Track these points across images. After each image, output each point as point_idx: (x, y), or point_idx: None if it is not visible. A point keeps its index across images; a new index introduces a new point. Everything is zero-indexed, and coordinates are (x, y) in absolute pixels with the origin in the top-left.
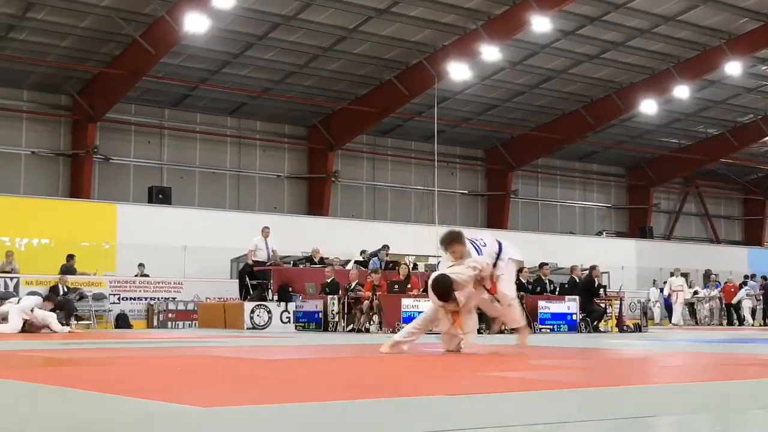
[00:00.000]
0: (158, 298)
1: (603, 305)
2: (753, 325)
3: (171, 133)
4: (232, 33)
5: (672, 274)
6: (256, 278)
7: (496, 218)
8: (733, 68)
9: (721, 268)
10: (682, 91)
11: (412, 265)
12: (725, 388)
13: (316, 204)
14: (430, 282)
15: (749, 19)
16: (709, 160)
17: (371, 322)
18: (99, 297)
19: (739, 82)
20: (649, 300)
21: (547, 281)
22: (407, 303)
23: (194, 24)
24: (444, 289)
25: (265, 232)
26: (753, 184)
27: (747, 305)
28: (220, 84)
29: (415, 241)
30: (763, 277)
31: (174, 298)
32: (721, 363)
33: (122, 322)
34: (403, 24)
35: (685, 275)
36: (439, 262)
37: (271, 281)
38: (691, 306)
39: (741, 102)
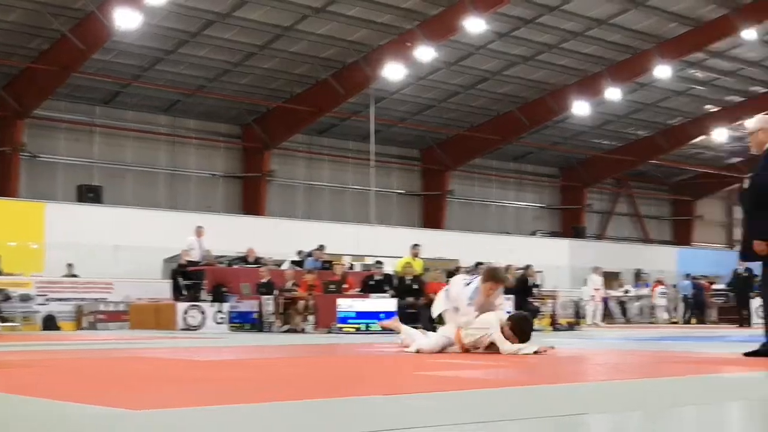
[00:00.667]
0: (88, 299)
1: (537, 304)
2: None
3: (102, 131)
4: (165, 29)
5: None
6: (189, 278)
7: (432, 218)
8: (663, 71)
9: (652, 267)
10: (613, 94)
11: (348, 265)
12: (655, 385)
13: (251, 203)
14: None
15: (678, 24)
16: (640, 162)
17: (307, 322)
18: (25, 298)
19: (668, 85)
20: (582, 299)
21: None
22: (343, 303)
23: (126, 20)
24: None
25: (199, 231)
26: (681, 185)
27: (660, 303)
28: (153, 81)
29: (351, 240)
30: (691, 276)
31: (104, 299)
32: (650, 361)
33: (50, 323)
34: (339, 23)
35: (616, 274)
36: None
37: (205, 281)
38: (621, 304)
39: (670, 105)
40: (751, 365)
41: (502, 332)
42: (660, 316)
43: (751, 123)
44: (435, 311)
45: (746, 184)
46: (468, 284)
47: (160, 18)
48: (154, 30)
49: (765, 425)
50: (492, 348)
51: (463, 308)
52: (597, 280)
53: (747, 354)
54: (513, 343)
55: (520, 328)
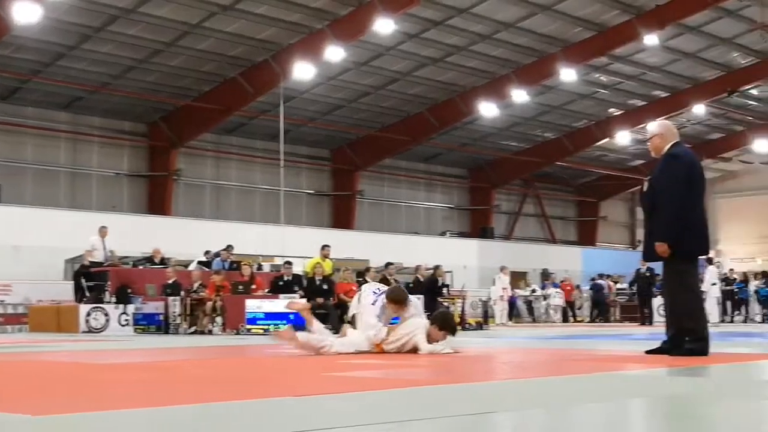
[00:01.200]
0: None
1: (446, 304)
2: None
3: (0, 128)
4: (67, 24)
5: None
6: (92, 279)
7: (342, 218)
8: (568, 75)
9: (558, 267)
10: (520, 96)
11: (256, 266)
12: (560, 383)
13: (157, 203)
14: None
15: (583, 28)
16: (546, 163)
17: (214, 324)
18: None
19: (574, 88)
20: (490, 299)
21: (392, 281)
22: (251, 304)
23: (25, 13)
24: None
25: (103, 231)
26: (586, 186)
27: (556, 303)
28: (54, 77)
29: (260, 241)
30: (598, 275)
31: (2, 301)
32: (556, 359)
33: None
34: (248, 21)
35: (523, 274)
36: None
37: (109, 282)
38: (528, 304)
39: (576, 108)
40: (653, 362)
41: (431, 333)
42: (553, 316)
43: (651, 128)
44: (350, 313)
45: (645, 186)
46: (376, 298)
47: (62, 12)
48: (56, 24)
49: (666, 422)
50: (413, 350)
51: (371, 322)
52: (505, 280)
53: (648, 351)
54: (443, 339)
55: (446, 324)
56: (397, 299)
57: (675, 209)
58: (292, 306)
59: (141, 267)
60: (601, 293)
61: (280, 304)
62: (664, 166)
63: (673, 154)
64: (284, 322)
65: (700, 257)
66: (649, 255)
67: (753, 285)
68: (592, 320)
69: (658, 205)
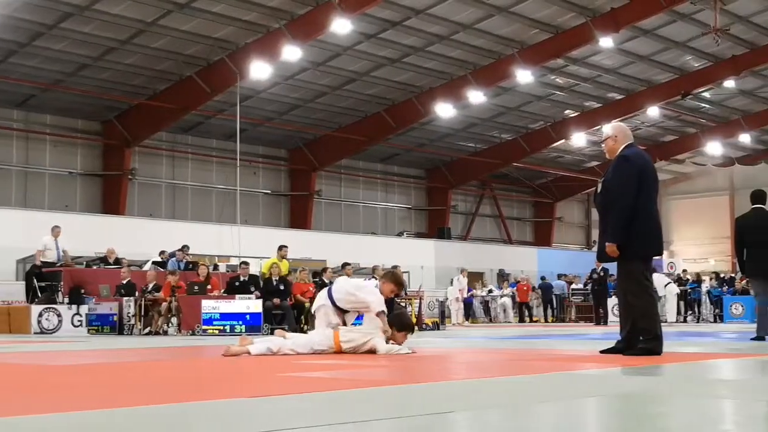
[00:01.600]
0: None
1: (403, 304)
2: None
3: None
4: (19, 21)
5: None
6: (44, 280)
7: (299, 218)
8: (525, 77)
9: (514, 267)
10: (477, 97)
11: (212, 266)
12: (517, 383)
13: (111, 202)
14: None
15: (540, 30)
16: (503, 164)
17: (169, 325)
18: None
19: (530, 90)
20: (447, 299)
21: None
22: (207, 304)
23: None
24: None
25: (56, 231)
26: (542, 187)
27: (507, 303)
28: (6, 74)
29: (216, 241)
30: (557, 276)
31: None
32: (512, 359)
33: None
34: (204, 20)
35: (480, 274)
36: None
37: (62, 283)
38: (485, 304)
39: (532, 109)
40: (607, 362)
41: (393, 337)
42: (507, 315)
43: (605, 130)
44: (315, 304)
45: (599, 188)
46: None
47: (14, 9)
48: (8, 21)
49: (621, 421)
50: (371, 351)
51: (333, 321)
52: (463, 282)
53: (603, 351)
54: (403, 339)
55: (404, 325)
56: (397, 281)
57: (626, 210)
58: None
59: (95, 267)
60: (549, 292)
61: (236, 304)
62: (615, 168)
63: (624, 155)
64: (240, 322)
65: (654, 257)
66: (602, 255)
67: (705, 286)
68: (546, 320)
69: (610, 206)
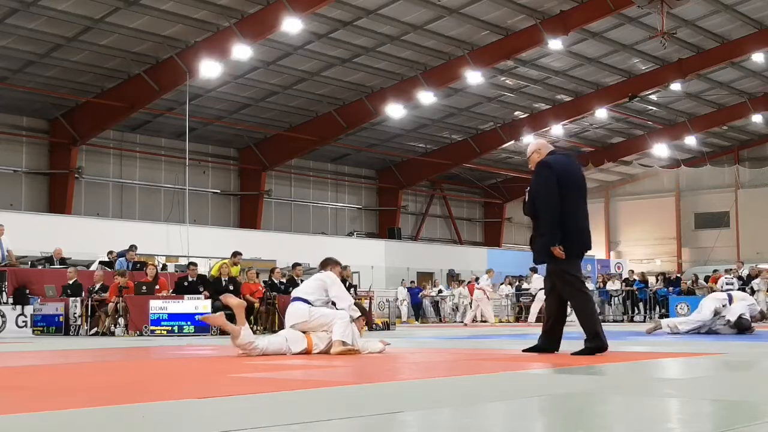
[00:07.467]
0: None
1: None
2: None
3: None
4: None
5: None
6: None
7: (249, 218)
8: (475, 78)
9: (464, 267)
10: (428, 98)
11: (161, 266)
12: (466, 383)
13: (57, 201)
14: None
15: (490, 32)
16: (453, 165)
17: (117, 325)
18: None
19: (480, 91)
20: (397, 299)
21: (299, 281)
22: (155, 305)
23: None
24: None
25: None
26: (492, 188)
27: (456, 302)
28: None
29: (164, 241)
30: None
31: None
32: (462, 359)
33: None
34: (153, 17)
35: (430, 274)
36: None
37: (6, 283)
38: (435, 304)
39: (482, 110)
40: (554, 361)
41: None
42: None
43: (529, 147)
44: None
45: (527, 197)
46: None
47: None
48: None
49: (565, 420)
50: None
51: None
52: (488, 281)
53: (525, 350)
54: (360, 325)
55: (361, 309)
56: (337, 261)
57: (555, 212)
58: (227, 300)
59: (40, 267)
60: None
61: (184, 305)
62: (537, 175)
63: (543, 162)
64: (188, 323)
65: (584, 256)
66: (539, 256)
67: (651, 286)
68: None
69: (539, 212)
